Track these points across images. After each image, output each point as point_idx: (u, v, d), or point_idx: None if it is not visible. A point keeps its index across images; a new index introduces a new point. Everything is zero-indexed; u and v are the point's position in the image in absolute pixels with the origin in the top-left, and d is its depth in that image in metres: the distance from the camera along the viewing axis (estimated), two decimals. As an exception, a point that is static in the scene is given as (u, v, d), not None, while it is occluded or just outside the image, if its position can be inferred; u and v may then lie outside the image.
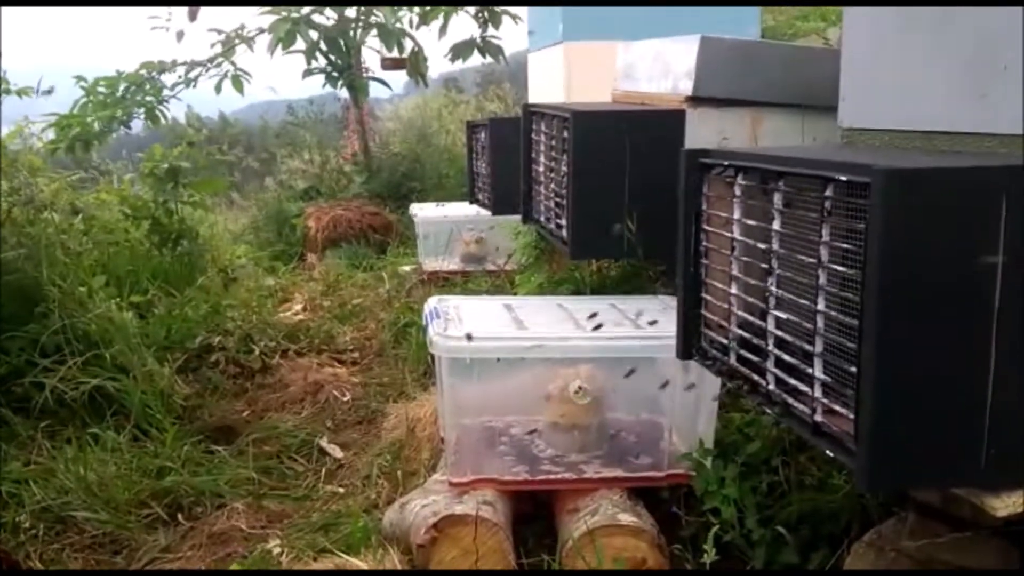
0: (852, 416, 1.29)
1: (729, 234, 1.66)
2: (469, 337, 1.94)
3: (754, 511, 1.90)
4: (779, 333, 1.49)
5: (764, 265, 1.53)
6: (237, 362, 3.86)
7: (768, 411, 1.55)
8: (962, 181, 1.16)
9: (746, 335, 1.62)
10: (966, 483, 1.31)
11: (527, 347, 2.00)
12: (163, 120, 7.50)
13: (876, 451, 1.23)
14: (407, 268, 5.17)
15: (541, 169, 3.01)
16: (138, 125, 7.62)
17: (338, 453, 3.05)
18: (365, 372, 3.91)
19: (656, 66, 2.79)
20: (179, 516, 2.63)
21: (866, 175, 1.21)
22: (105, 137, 7.67)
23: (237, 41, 7.09)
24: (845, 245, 1.29)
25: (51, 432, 3.06)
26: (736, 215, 1.63)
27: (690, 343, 1.84)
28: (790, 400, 1.47)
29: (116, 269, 4.11)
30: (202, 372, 3.71)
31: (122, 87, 7.09)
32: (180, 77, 7.18)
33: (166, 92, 7.26)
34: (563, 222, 2.77)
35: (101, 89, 6.91)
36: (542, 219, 3.05)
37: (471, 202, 4.50)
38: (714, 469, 1.97)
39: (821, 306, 1.36)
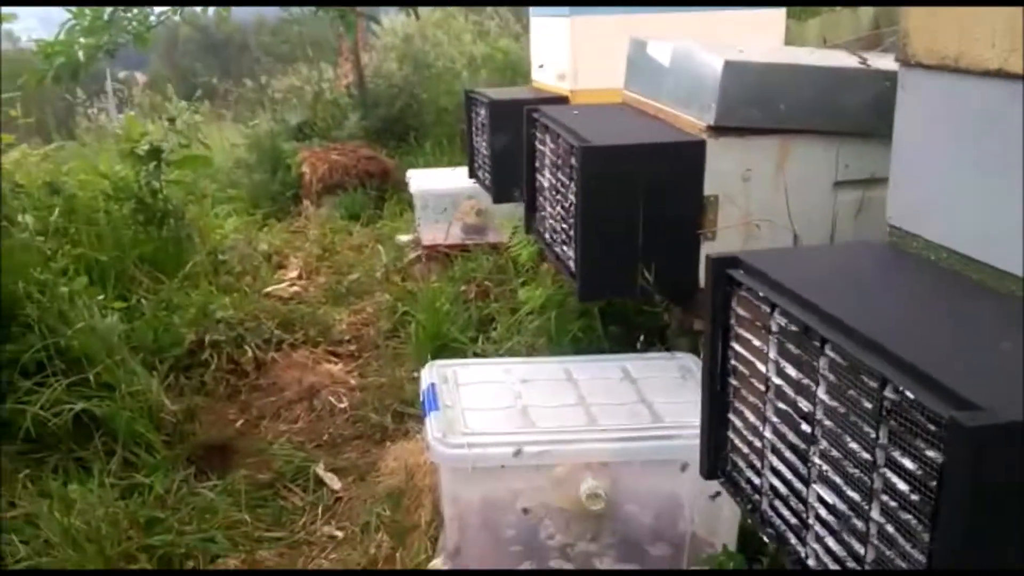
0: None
1: (763, 369, 1.47)
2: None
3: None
4: (823, 512, 1.32)
5: (806, 427, 1.35)
6: (231, 357, 3.71)
7: (806, 586, 1.39)
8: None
9: (781, 487, 1.45)
10: None
11: (534, 453, 1.83)
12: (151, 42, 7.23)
13: None
14: (404, 238, 4.96)
15: (546, 184, 2.78)
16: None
17: (336, 484, 2.92)
18: (363, 369, 3.76)
19: (673, 83, 2.54)
20: (170, 575, 2.52)
21: (946, 404, 1.01)
22: (90, 66, 7.37)
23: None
24: (907, 463, 1.10)
25: (37, 460, 2.93)
26: (772, 354, 1.44)
27: (715, 463, 1.67)
28: (833, 589, 1.31)
29: (100, 253, 3.90)
30: (193, 374, 3.56)
31: (108, 11, 6.77)
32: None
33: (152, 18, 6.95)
34: (570, 252, 2.56)
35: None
36: (547, 236, 2.83)
37: (470, 176, 4.26)
38: (737, 578, 1.83)
39: (875, 514, 1.18)
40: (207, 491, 2.83)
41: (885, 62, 2.34)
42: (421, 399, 2.09)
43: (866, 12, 3.51)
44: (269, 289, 4.61)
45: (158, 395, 3.20)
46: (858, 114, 2.33)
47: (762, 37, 3.55)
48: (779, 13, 3.64)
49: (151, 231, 4.18)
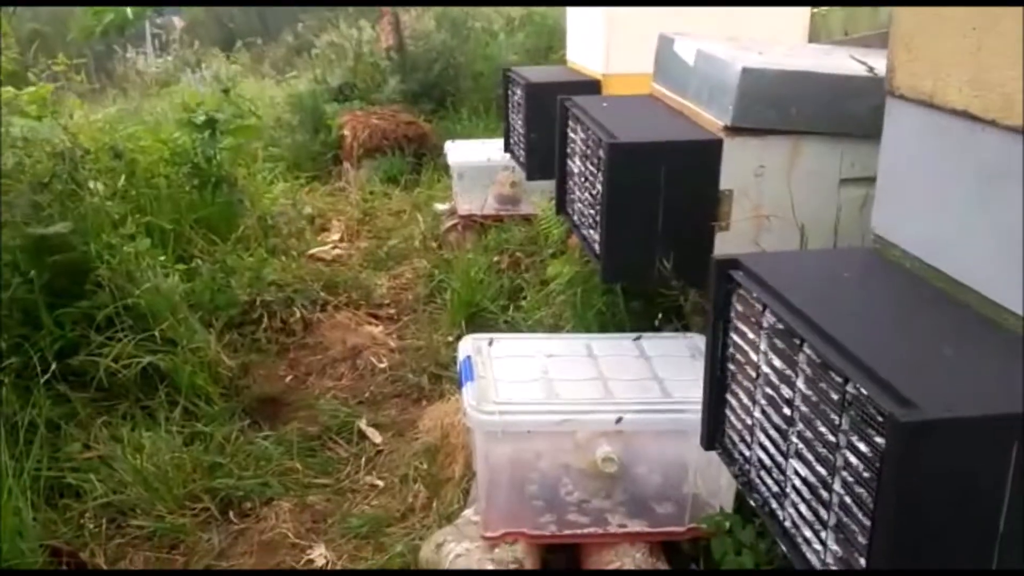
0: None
1: (755, 358, 1.71)
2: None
3: (769, 579, 2.03)
4: (797, 483, 1.57)
5: (787, 411, 1.59)
6: (280, 317, 3.99)
7: (781, 545, 1.64)
8: (981, 430, 1.21)
9: (766, 460, 1.70)
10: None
11: (556, 422, 2.10)
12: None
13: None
14: (441, 207, 5.21)
15: (576, 170, 3.01)
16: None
17: (377, 438, 3.21)
18: (401, 332, 4.04)
19: (696, 82, 2.74)
20: (230, 513, 2.83)
21: (890, 400, 1.25)
22: (138, 23, 7.70)
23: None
24: (862, 447, 1.35)
25: (107, 407, 3.24)
26: (762, 346, 1.68)
27: (714, 435, 1.92)
28: (803, 547, 1.56)
29: (159, 216, 4.17)
30: (246, 332, 3.85)
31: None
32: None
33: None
34: (596, 235, 2.80)
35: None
36: (575, 218, 3.07)
37: (506, 150, 4.49)
38: (733, 535, 2.09)
39: (837, 487, 1.43)
40: (261, 440, 3.14)
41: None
42: (458, 369, 2.35)
43: (885, 8, 3.67)
44: (313, 251, 4.90)
45: (216, 351, 3.50)
46: (863, 118, 2.52)
47: (787, 29, 3.73)
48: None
49: (205, 196, 4.45)
